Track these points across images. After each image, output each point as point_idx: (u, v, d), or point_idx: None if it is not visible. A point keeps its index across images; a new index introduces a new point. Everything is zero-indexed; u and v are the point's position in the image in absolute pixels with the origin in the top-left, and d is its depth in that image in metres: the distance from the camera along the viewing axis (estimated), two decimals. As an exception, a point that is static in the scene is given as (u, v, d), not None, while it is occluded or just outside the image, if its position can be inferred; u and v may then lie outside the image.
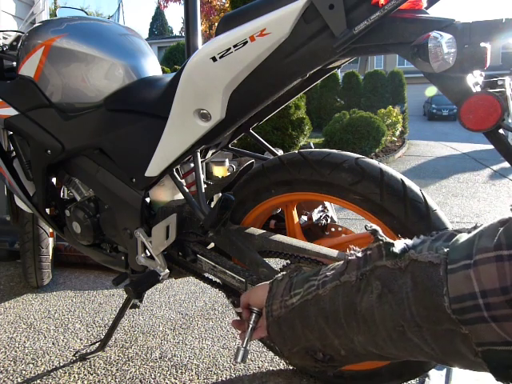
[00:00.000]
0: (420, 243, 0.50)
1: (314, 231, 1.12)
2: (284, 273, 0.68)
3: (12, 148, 1.38)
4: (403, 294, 0.47)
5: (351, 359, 0.58)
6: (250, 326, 0.70)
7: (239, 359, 0.72)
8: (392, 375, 1.00)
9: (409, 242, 0.51)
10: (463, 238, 0.46)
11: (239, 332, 0.75)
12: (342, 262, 0.58)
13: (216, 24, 9.97)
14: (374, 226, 0.55)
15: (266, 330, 0.68)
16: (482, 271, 0.41)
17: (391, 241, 0.52)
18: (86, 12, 1.77)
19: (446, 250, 0.45)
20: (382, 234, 0.53)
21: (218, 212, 0.92)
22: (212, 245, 1.11)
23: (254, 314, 0.70)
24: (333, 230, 1.12)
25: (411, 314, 0.46)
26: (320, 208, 1.15)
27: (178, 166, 1.14)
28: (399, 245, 0.51)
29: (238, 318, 0.80)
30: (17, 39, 1.46)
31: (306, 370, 1.24)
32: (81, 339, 1.50)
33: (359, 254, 0.55)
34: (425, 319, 0.45)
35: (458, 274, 0.43)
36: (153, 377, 1.28)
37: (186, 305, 1.78)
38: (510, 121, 0.66)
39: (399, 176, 0.87)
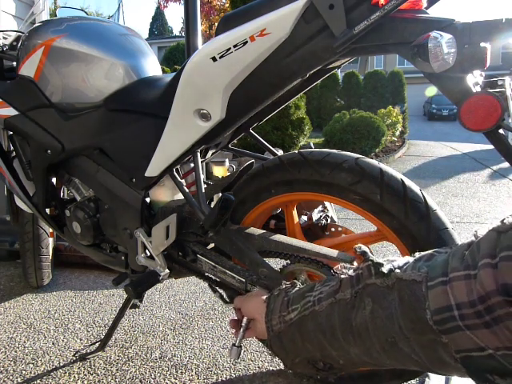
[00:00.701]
0: (404, 263, 0.56)
1: (314, 231, 1.12)
2: (280, 288, 0.73)
3: (12, 148, 1.38)
4: (392, 310, 0.52)
5: (350, 367, 0.64)
6: (243, 326, 0.79)
7: (233, 356, 0.82)
8: (392, 375, 1.00)
9: (395, 262, 0.57)
10: (440, 257, 0.53)
11: (234, 331, 0.84)
12: (335, 279, 0.63)
13: (216, 24, 9.97)
14: (364, 248, 0.60)
15: (256, 333, 0.77)
16: (455, 287, 0.47)
17: (380, 261, 0.57)
18: (86, 12, 1.77)
19: (426, 269, 0.52)
20: (371, 255, 0.59)
21: (218, 212, 0.92)
22: (212, 245, 1.11)
23: (245, 319, 0.79)
24: (333, 230, 1.12)
25: (400, 326, 0.51)
26: (320, 208, 1.15)
27: (178, 166, 1.14)
28: (387, 265, 0.56)
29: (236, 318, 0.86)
30: (17, 39, 1.46)
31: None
32: (81, 339, 1.50)
33: (351, 273, 0.61)
34: (411, 331, 0.50)
35: (436, 289, 0.49)
36: (153, 377, 1.28)
37: (186, 305, 1.78)
38: (510, 121, 0.66)
39: (399, 176, 0.87)
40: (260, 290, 0.86)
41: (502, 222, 0.47)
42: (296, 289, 0.71)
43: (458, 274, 0.47)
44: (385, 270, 0.55)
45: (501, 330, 0.44)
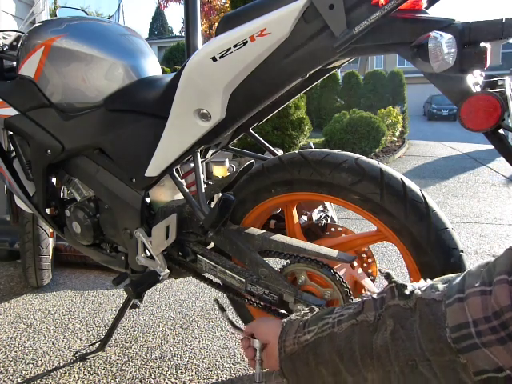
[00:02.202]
0: (424, 285, 0.57)
1: (314, 231, 1.12)
2: (297, 314, 0.72)
3: (12, 148, 1.38)
4: (414, 331, 0.52)
5: None
6: (257, 361, 0.74)
7: None
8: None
9: (415, 284, 0.58)
10: (458, 278, 0.54)
11: (248, 359, 0.78)
12: (357, 302, 0.62)
13: (216, 24, 9.97)
14: (387, 270, 0.60)
15: (270, 361, 0.72)
16: (471, 303, 0.48)
17: (404, 283, 0.57)
18: (86, 12, 1.77)
19: (445, 288, 0.53)
20: (394, 277, 0.60)
21: (217, 212, 0.92)
22: (212, 245, 1.11)
23: (258, 350, 0.74)
24: (333, 230, 1.12)
25: (421, 347, 0.51)
26: (320, 208, 1.15)
27: (178, 166, 1.14)
28: (409, 287, 0.57)
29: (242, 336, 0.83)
30: (17, 39, 1.46)
31: None
32: (81, 339, 1.50)
33: (375, 296, 0.60)
34: (431, 351, 0.50)
35: (453, 306, 0.49)
36: (153, 377, 1.28)
37: (186, 305, 1.78)
38: (509, 121, 0.66)
39: (399, 176, 0.87)
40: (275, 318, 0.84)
41: None
42: (314, 313, 0.70)
43: (474, 290, 0.48)
44: (407, 291, 0.56)
45: None
